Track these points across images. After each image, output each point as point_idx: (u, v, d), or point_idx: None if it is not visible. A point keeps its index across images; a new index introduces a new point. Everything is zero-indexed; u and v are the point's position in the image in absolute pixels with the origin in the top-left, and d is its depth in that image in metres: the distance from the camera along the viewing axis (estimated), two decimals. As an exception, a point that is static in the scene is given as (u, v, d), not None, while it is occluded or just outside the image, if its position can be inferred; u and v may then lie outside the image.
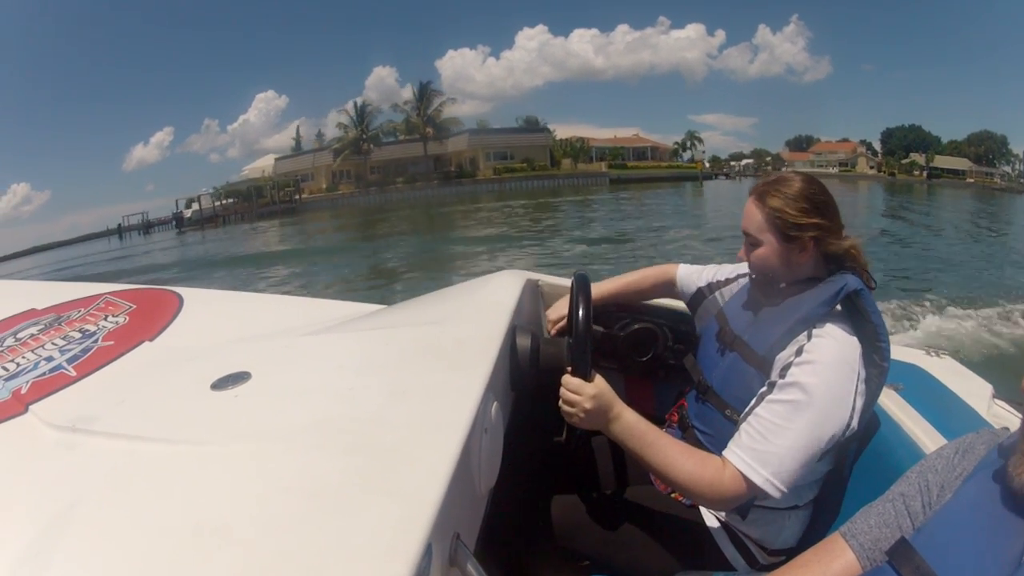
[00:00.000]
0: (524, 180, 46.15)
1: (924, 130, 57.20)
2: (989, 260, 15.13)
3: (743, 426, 1.23)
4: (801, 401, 1.19)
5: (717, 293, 1.67)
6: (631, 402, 1.24)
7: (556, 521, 1.41)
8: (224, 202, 47.38)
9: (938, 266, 13.48)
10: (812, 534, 1.39)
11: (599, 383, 1.21)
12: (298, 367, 1.28)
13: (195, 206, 46.83)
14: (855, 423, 1.24)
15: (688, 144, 56.13)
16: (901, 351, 1.80)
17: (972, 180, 51.71)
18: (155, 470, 0.93)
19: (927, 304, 8.41)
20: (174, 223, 45.59)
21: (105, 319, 1.71)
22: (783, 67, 67.46)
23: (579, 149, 50.91)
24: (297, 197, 47.65)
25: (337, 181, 48.85)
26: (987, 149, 52.99)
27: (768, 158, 59.06)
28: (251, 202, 46.72)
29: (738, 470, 1.18)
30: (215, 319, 1.79)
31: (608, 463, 1.58)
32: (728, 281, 1.66)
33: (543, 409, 1.40)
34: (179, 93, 76.68)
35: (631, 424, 1.22)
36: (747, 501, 1.24)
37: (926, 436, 1.39)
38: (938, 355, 2.39)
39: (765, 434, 1.19)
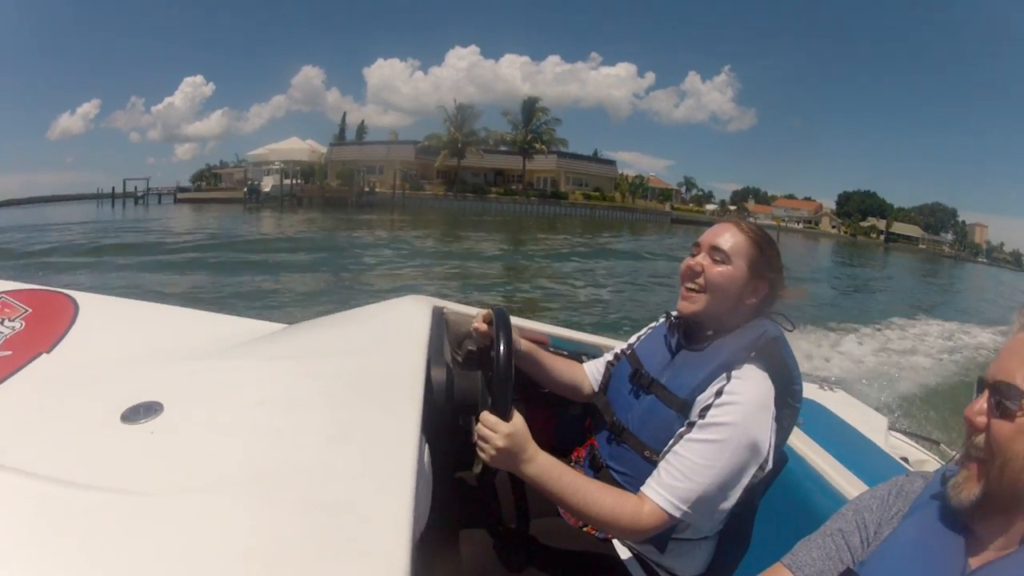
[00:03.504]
0: (610, 210, 47.85)
1: (879, 196, 66.74)
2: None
3: (662, 464, 1.27)
4: (722, 440, 1.24)
5: (629, 349, 1.63)
6: (532, 432, 1.23)
7: (465, 557, 1.35)
8: (296, 182, 42.49)
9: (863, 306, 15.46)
10: (722, 561, 1.46)
11: (516, 423, 1.20)
12: (213, 399, 1.16)
13: (268, 180, 41.59)
14: (770, 460, 1.32)
15: (687, 187, 61.26)
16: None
17: (924, 246, 61.54)
18: (81, 522, 0.78)
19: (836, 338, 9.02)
20: (247, 195, 40.09)
21: (2, 323, 1.55)
22: (708, 115, 74.12)
23: (638, 186, 53.80)
24: (378, 190, 44.04)
25: (415, 179, 45.96)
26: (936, 219, 63.37)
27: (733, 207, 64.89)
28: (322, 186, 42.55)
29: (658, 506, 1.23)
30: (113, 331, 1.66)
31: (512, 496, 1.53)
32: (638, 337, 1.65)
33: (450, 441, 1.39)
34: (112, 64, 67.92)
35: (546, 467, 1.21)
36: (666, 534, 1.30)
37: (831, 469, 1.51)
38: (831, 389, 2.51)
39: (687, 472, 1.23)
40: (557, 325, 2.18)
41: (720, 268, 1.37)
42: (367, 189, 43.58)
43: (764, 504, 1.48)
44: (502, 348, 1.25)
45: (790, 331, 1.41)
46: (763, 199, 69.46)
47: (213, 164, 51.06)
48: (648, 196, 54.90)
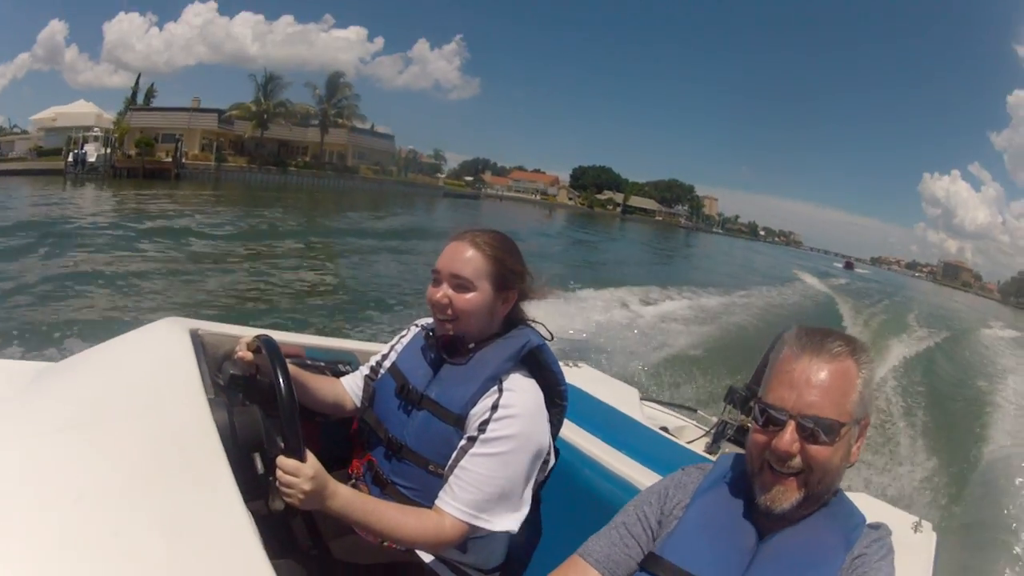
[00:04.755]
0: (396, 184, 55.41)
1: (614, 172, 73.96)
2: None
3: (452, 480, 1.37)
4: (506, 452, 1.37)
5: (384, 360, 1.69)
6: None
7: None
8: (110, 151, 40.65)
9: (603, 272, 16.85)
10: (518, 548, 1.62)
11: (313, 462, 1.23)
12: (28, 498, 0.99)
13: (91, 148, 39.05)
14: (552, 457, 1.51)
15: (436, 158, 67.46)
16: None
17: (660, 218, 70.53)
18: None
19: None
20: (73, 164, 36.76)
21: None
22: (431, 82, 77.47)
23: (412, 160, 61.27)
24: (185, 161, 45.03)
25: (217, 149, 47.61)
26: (672, 194, 72.33)
27: (469, 178, 70.66)
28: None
29: (458, 519, 1.35)
30: None
31: (304, 523, 1.52)
32: (392, 348, 1.71)
33: (239, 477, 1.22)
34: None
35: (349, 499, 1.29)
36: (466, 539, 1.40)
37: (599, 450, 1.65)
38: (576, 365, 2.68)
39: (478, 485, 1.35)
40: (313, 334, 2.19)
41: (466, 296, 1.45)
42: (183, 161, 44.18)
43: (546, 493, 1.62)
44: (283, 388, 1.28)
45: (550, 340, 1.54)
46: (495, 170, 74.60)
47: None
48: (418, 170, 61.65)
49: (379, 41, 70.34)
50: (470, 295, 1.46)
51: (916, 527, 1.83)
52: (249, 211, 24.12)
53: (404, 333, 1.75)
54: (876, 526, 1.07)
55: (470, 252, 1.47)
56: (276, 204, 28.77)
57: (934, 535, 1.82)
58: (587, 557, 1.17)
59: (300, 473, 1.22)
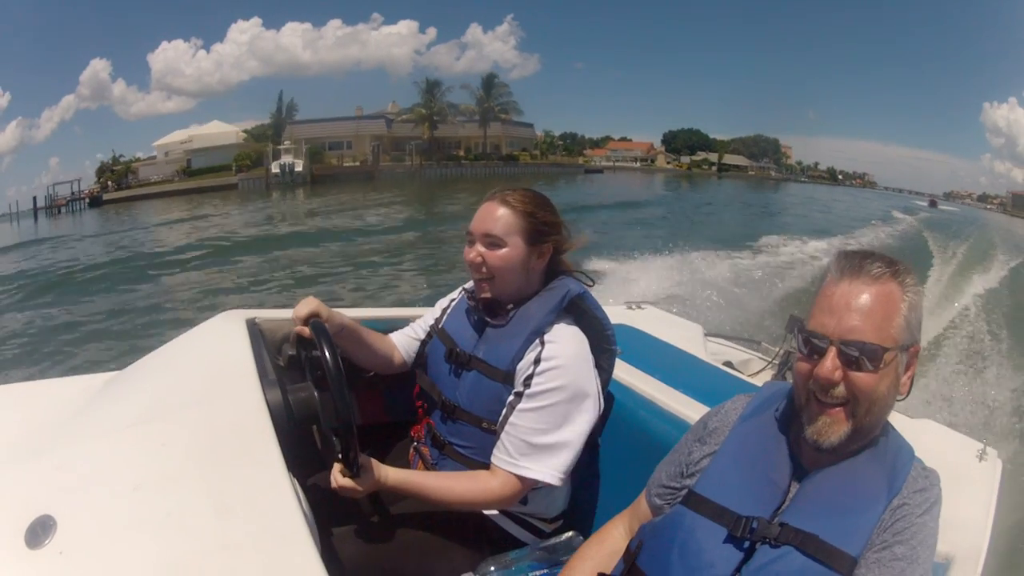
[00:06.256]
0: (550, 167, 55.81)
1: (703, 132, 73.77)
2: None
3: (504, 436, 1.40)
4: (552, 404, 1.38)
5: (436, 322, 1.72)
6: (363, 411, 1.36)
7: (346, 556, 1.36)
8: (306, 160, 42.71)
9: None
10: (579, 496, 1.61)
11: (365, 464, 1.28)
12: (92, 495, 1.08)
13: (285, 159, 41.31)
14: (601, 403, 1.48)
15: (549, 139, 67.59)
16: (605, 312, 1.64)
17: (753, 173, 71.43)
18: None
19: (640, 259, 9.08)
20: (281, 172, 39.80)
21: None
22: (490, 64, 74.43)
23: (548, 144, 61.01)
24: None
25: (384, 152, 48.03)
26: (760, 148, 73.34)
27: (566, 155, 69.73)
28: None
29: (511, 474, 1.38)
30: None
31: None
32: (444, 312, 1.72)
33: (297, 451, 1.34)
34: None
35: (400, 480, 1.35)
36: (525, 492, 1.43)
37: (655, 390, 1.63)
38: (639, 307, 2.68)
39: (526, 438, 1.37)
40: (366, 307, 2.31)
41: (498, 253, 1.45)
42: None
43: (605, 437, 1.62)
44: (339, 397, 1.27)
45: (591, 287, 1.53)
46: (590, 143, 73.74)
47: (106, 161, 44.87)
48: (554, 152, 62.13)
49: (431, 31, 67.71)
50: (502, 251, 1.46)
51: (981, 455, 1.78)
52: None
53: (453, 297, 1.75)
54: (925, 470, 1.01)
55: (500, 210, 1.47)
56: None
57: (999, 463, 1.75)
58: (648, 489, 1.21)
59: (355, 489, 1.29)
